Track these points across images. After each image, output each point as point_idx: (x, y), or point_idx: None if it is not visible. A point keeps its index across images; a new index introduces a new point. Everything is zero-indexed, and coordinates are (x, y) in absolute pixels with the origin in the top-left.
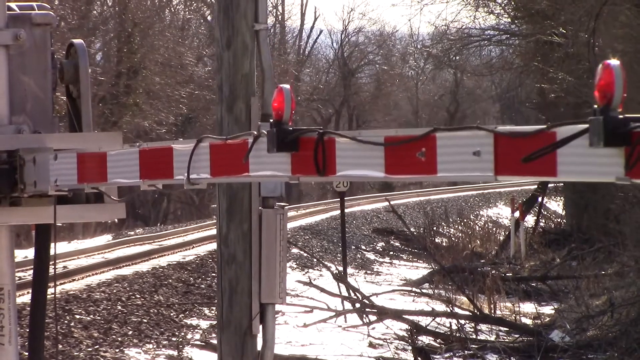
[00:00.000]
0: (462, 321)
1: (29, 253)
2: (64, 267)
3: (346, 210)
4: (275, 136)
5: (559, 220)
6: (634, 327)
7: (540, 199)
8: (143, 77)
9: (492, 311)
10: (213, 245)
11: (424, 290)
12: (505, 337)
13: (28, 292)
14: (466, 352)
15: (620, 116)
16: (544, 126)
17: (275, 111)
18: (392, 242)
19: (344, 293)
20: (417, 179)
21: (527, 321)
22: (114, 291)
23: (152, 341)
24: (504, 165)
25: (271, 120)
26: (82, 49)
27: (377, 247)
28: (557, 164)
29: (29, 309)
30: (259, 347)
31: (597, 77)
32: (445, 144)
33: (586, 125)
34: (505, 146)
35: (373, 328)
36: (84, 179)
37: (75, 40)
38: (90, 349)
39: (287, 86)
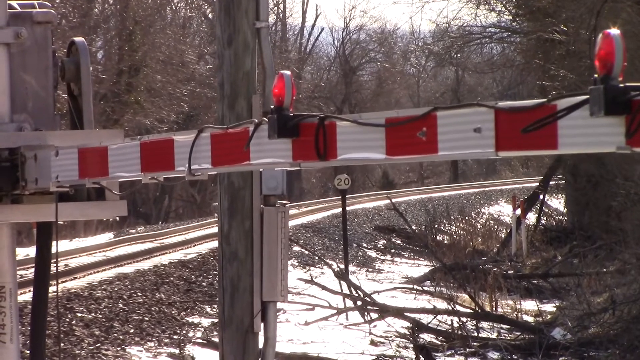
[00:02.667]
0: (464, 319)
1: (31, 251)
2: (66, 265)
3: (347, 208)
4: (276, 122)
5: (560, 217)
6: (635, 324)
7: (541, 196)
8: (144, 75)
9: (494, 309)
10: (214, 243)
11: (425, 288)
12: (506, 335)
13: (30, 291)
14: (468, 349)
15: (621, 85)
16: (544, 99)
17: (276, 97)
18: (393, 239)
19: (346, 291)
20: (418, 159)
21: (529, 319)
22: (116, 289)
23: (154, 339)
24: (504, 141)
25: (272, 106)
26: (83, 47)
27: (379, 245)
28: (558, 136)
29: (30, 307)
30: (261, 345)
31: (597, 47)
32: (445, 122)
33: (586, 96)
34: (505, 122)
35: (374, 326)
36: (85, 174)
37: (77, 39)
38: (91, 347)
39: (288, 72)
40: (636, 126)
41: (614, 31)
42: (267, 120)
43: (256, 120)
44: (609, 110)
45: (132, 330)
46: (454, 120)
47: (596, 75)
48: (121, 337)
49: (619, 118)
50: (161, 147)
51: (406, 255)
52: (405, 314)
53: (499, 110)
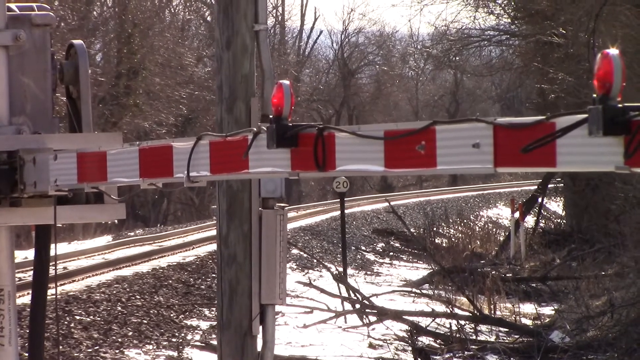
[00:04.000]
0: (462, 322)
1: (29, 254)
2: (64, 267)
3: (346, 211)
4: (275, 132)
5: (559, 220)
6: (634, 327)
7: (540, 199)
8: (143, 77)
9: (492, 312)
10: (213, 246)
11: (423, 291)
12: (505, 338)
13: (28, 293)
14: (466, 352)
15: (619, 105)
16: (543, 117)
17: (275, 107)
18: (392, 242)
19: (344, 294)
20: (416, 173)
21: (527, 322)
22: (114, 292)
23: (152, 342)
24: (503, 157)
25: (271, 116)
26: (82, 50)
27: (377, 248)
28: (557, 154)
29: (29, 309)
30: (259, 347)
31: (596, 67)
32: (444, 136)
33: (585, 115)
34: (504, 138)
35: (373, 329)
36: (84, 179)
37: (75, 41)
38: (90, 350)
39: (287, 82)
40: (635, 147)
41: (613, 51)
42: (265, 129)
43: (255, 129)
44: (607, 130)
45: (130, 333)
46: (453, 135)
47: (595, 95)
48: (120, 340)
49: (617, 138)
50: (160, 153)
51: (405, 258)
52: (404, 317)
53: (498, 126)
